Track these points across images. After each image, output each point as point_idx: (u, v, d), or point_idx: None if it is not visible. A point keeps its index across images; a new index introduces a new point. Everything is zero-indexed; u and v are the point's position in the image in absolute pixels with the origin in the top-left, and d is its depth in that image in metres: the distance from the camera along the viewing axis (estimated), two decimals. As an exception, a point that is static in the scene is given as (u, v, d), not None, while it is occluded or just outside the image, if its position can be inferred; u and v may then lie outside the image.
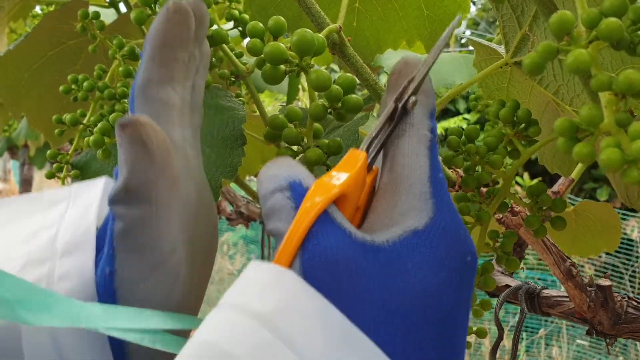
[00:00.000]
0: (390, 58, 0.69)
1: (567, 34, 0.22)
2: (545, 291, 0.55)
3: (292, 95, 1.12)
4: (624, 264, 3.32)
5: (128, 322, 0.27)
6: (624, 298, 0.48)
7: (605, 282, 0.48)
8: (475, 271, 0.26)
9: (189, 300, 0.31)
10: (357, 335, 0.21)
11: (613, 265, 3.31)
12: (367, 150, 0.29)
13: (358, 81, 0.42)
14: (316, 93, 0.39)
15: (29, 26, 1.03)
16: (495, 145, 0.37)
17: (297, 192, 0.25)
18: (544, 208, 0.38)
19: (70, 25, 0.70)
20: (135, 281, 0.29)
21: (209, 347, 0.21)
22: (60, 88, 0.54)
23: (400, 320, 0.22)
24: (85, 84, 0.54)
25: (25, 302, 0.26)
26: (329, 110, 0.38)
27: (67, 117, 0.54)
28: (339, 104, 0.38)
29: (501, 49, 0.41)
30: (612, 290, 0.48)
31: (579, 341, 3.33)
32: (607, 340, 0.49)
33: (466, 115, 5.54)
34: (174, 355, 0.27)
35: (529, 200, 0.38)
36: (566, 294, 0.53)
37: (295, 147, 0.40)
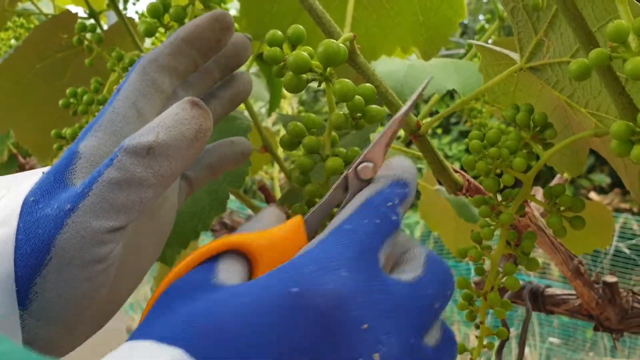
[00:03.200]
0: (385, 64, 0.70)
1: (622, 42, 0.22)
2: (549, 290, 0.56)
3: (275, 103, 1.12)
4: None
5: None
6: (629, 293, 0.50)
7: (612, 279, 0.49)
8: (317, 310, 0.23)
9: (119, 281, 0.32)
10: None
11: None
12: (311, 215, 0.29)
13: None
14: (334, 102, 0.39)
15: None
16: (515, 149, 0.38)
17: None
18: (563, 209, 0.39)
19: (59, 37, 0.68)
20: (88, 236, 0.29)
21: None
22: (60, 102, 0.53)
23: None
24: (85, 97, 0.53)
25: None
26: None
27: (67, 131, 0.53)
28: (360, 114, 0.38)
29: (512, 54, 0.42)
30: (618, 287, 0.49)
31: (551, 339, 3.40)
32: (614, 335, 0.51)
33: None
34: (79, 308, 0.29)
35: (547, 201, 0.39)
36: (570, 292, 0.55)
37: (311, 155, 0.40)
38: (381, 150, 0.31)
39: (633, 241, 3.34)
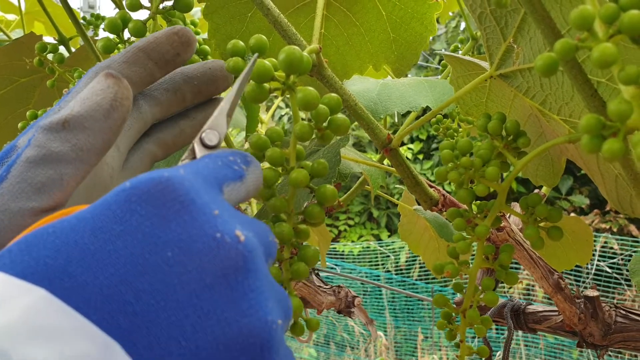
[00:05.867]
0: (357, 83, 0.69)
1: (587, 29, 0.21)
2: (531, 307, 0.55)
3: (252, 127, 1.11)
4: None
5: None
6: (612, 307, 0.48)
7: (593, 293, 0.48)
8: None
9: None
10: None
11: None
12: None
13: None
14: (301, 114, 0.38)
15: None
16: (488, 158, 0.36)
17: None
18: (539, 219, 0.37)
19: (23, 62, 0.67)
20: (6, 219, 0.27)
21: None
22: (19, 125, 0.51)
23: None
24: (45, 119, 0.51)
25: None
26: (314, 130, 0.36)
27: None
28: (325, 124, 0.37)
29: (482, 63, 0.41)
30: (600, 301, 0.47)
31: None
32: (598, 352, 0.49)
33: (410, 145, 5.66)
34: None
35: (524, 212, 0.38)
36: (552, 309, 0.53)
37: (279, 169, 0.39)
38: (223, 118, 0.31)
39: (614, 260, 3.35)
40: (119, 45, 0.44)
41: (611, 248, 3.56)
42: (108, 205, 0.21)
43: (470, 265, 0.39)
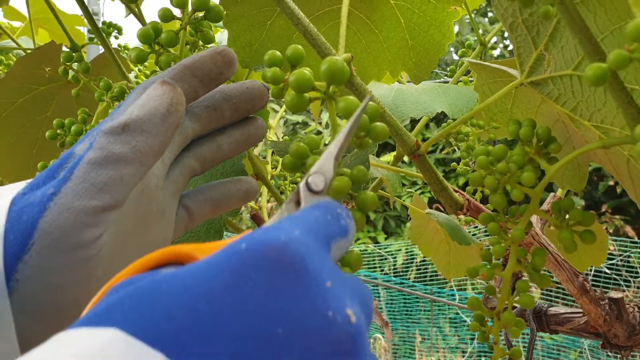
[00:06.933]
0: (373, 89, 0.69)
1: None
2: (553, 309, 0.55)
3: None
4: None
5: None
6: (636, 309, 0.49)
7: (617, 295, 0.49)
8: None
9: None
10: None
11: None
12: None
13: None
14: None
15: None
16: (522, 164, 0.37)
17: None
18: (572, 223, 0.38)
19: (42, 70, 0.67)
20: (71, 217, 0.28)
21: None
22: (47, 133, 0.52)
23: None
24: (73, 127, 0.51)
25: None
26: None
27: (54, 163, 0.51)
28: (363, 133, 0.37)
29: (511, 70, 0.42)
30: (624, 302, 0.48)
31: None
32: (622, 352, 0.50)
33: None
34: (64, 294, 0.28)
35: (556, 216, 0.39)
36: (575, 310, 0.54)
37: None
38: (331, 162, 0.31)
39: (612, 261, 3.37)
40: (152, 54, 0.44)
41: (608, 249, 3.58)
42: (222, 268, 0.21)
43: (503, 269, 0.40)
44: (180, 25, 0.45)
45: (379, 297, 4.45)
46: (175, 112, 0.31)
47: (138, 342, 0.19)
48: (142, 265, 0.24)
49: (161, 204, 0.36)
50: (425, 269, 4.65)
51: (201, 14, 0.45)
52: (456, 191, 0.51)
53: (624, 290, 3.31)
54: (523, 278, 0.48)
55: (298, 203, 0.29)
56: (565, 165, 0.41)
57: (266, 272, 0.20)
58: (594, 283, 3.40)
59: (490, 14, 7.10)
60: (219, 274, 0.20)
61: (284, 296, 0.20)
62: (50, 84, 0.70)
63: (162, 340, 0.19)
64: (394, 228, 5.80)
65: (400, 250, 4.86)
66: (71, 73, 0.60)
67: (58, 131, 0.53)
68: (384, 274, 4.84)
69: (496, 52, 6.81)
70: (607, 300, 0.49)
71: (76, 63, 0.56)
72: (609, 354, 3.21)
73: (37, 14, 1.21)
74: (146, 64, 0.95)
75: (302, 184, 0.29)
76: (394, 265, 4.88)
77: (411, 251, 4.75)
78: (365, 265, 5.05)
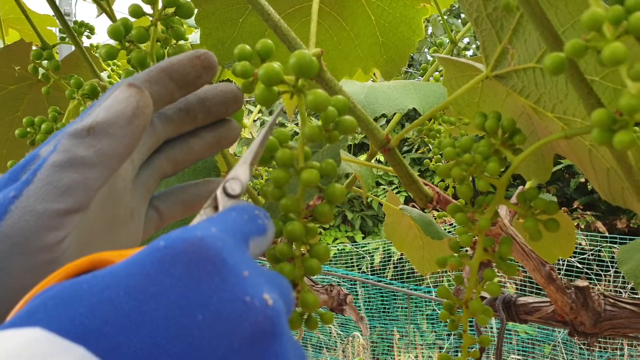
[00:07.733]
0: (344, 86, 0.70)
1: (597, 30, 0.23)
2: (522, 299, 0.57)
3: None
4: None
5: None
6: (601, 297, 0.51)
7: (582, 283, 0.50)
8: None
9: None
10: None
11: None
12: None
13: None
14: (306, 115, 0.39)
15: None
16: (488, 154, 0.38)
17: None
18: (537, 212, 0.39)
19: (11, 69, 0.66)
20: (32, 220, 0.28)
21: None
22: (16, 132, 0.51)
23: None
24: (43, 126, 0.51)
25: None
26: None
27: (25, 161, 0.51)
28: (332, 126, 0.38)
29: (477, 64, 0.43)
30: (590, 290, 0.50)
31: (512, 356, 3.44)
32: (589, 339, 0.51)
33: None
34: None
35: (522, 206, 0.40)
36: (543, 300, 0.55)
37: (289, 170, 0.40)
38: (246, 168, 0.32)
39: (584, 256, 3.44)
40: (121, 51, 0.44)
41: (580, 244, 3.65)
42: (142, 264, 0.22)
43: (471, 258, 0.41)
44: (151, 21, 0.45)
45: (356, 295, 4.47)
46: (141, 114, 0.31)
47: (60, 338, 0.20)
48: (65, 272, 0.25)
49: (129, 206, 0.36)
50: (402, 267, 4.69)
51: (172, 10, 0.45)
52: (426, 184, 0.52)
53: (595, 285, 3.38)
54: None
55: (216, 208, 0.30)
56: (529, 155, 0.42)
57: (185, 266, 0.22)
58: (566, 276, 3.46)
59: (463, 15, 7.18)
60: (139, 269, 0.22)
61: (203, 285, 0.21)
62: (20, 82, 0.69)
63: (83, 334, 0.20)
64: (371, 227, 5.83)
65: (377, 249, 4.89)
66: (41, 71, 0.59)
67: (28, 129, 0.52)
68: (362, 273, 4.86)
69: (469, 53, 6.89)
70: (573, 289, 0.50)
71: (46, 61, 0.56)
72: (582, 347, 3.28)
73: (7, 14, 1.19)
74: (119, 63, 0.94)
75: (219, 190, 0.30)
76: (372, 263, 4.91)
77: (388, 250, 4.79)
78: (343, 264, 5.06)
